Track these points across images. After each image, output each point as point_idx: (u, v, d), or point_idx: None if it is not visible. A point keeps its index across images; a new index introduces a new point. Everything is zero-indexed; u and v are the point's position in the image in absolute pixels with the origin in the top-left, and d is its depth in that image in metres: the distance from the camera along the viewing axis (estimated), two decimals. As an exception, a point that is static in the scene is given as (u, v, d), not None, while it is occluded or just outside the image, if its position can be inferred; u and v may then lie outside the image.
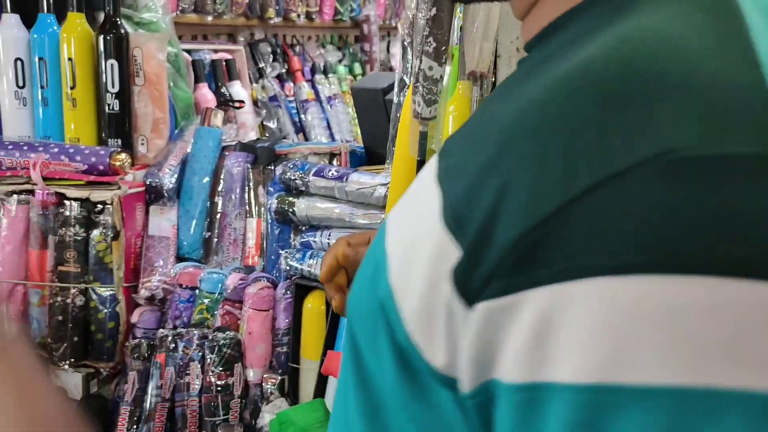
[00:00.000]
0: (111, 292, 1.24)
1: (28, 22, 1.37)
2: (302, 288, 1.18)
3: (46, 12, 1.34)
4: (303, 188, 1.22)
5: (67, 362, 1.22)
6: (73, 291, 1.22)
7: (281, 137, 1.56)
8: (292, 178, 1.22)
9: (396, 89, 1.07)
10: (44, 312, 1.24)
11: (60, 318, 1.22)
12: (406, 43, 1.03)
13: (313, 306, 1.16)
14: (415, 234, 0.30)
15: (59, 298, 1.22)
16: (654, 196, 0.24)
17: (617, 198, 0.24)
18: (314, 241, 1.21)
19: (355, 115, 2.56)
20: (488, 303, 0.25)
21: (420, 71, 0.77)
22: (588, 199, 0.24)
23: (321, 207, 1.19)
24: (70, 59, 1.33)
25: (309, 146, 1.37)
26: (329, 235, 1.19)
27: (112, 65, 1.34)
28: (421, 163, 0.87)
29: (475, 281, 0.26)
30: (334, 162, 1.35)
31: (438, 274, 0.27)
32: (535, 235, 0.25)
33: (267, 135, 2.05)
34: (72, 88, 1.34)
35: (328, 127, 2.36)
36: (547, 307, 0.24)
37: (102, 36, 1.34)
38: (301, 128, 2.26)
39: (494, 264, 0.25)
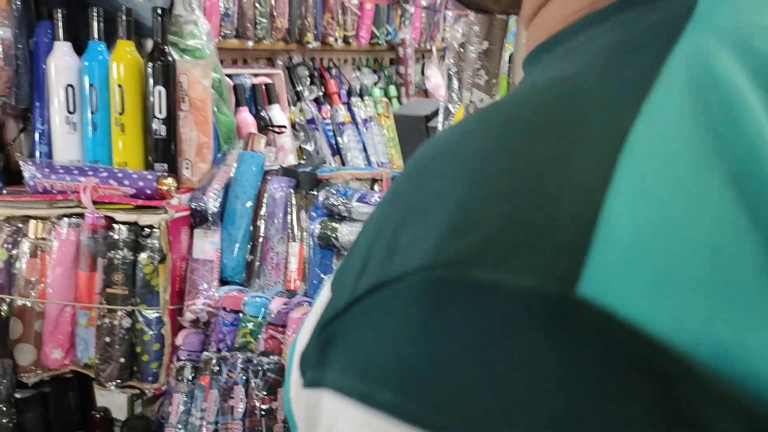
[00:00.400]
0: (157, 315, 1.26)
1: (79, 49, 1.41)
2: (345, 313, 1.18)
3: (96, 40, 1.39)
4: (346, 214, 1.23)
5: (114, 383, 1.24)
6: (120, 313, 1.25)
7: (321, 162, 1.58)
8: (335, 203, 1.23)
9: (441, 117, 1.08)
10: (92, 333, 1.26)
11: (107, 339, 1.24)
12: (451, 73, 1.03)
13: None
14: None
15: (107, 320, 1.24)
16: (408, 318, 0.21)
17: (382, 309, 0.22)
18: (357, 267, 1.21)
19: (391, 137, 2.58)
20: (306, 391, 0.25)
21: (471, 103, 0.78)
22: (364, 301, 0.23)
23: (364, 232, 1.20)
24: (119, 85, 1.37)
25: (350, 171, 1.38)
26: (372, 261, 1.20)
27: (160, 91, 1.37)
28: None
29: (302, 363, 0.26)
30: (376, 187, 1.36)
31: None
32: (330, 329, 0.24)
33: (305, 158, 2.07)
34: (121, 114, 1.37)
35: (364, 149, 2.38)
36: (332, 412, 0.23)
37: (151, 63, 1.37)
38: (337, 151, 2.28)
39: (310, 350, 0.25)
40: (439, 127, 1.09)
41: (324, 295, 0.27)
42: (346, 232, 1.22)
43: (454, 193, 0.22)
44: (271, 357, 1.16)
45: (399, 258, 0.22)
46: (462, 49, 1.00)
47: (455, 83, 1.03)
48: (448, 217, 0.22)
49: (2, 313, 1.26)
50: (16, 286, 1.27)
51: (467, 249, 0.21)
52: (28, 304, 1.26)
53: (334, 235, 1.23)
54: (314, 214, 1.31)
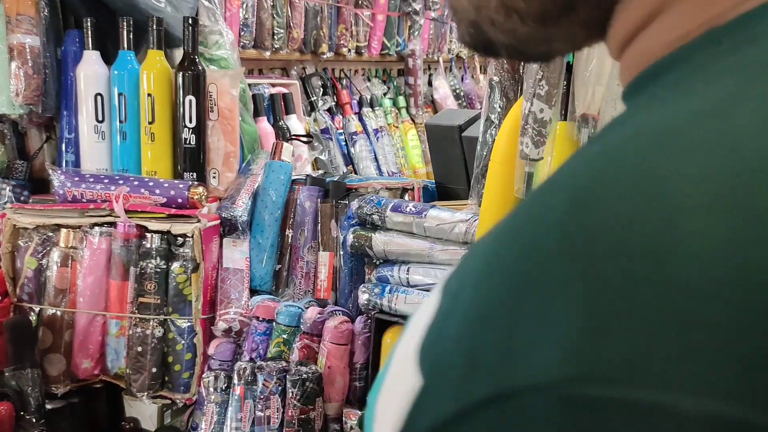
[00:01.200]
0: (189, 324, 1.25)
1: (106, 58, 1.41)
2: (381, 322, 1.18)
3: (126, 49, 1.39)
4: (380, 223, 1.24)
5: (145, 393, 1.23)
6: (152, 322, 1.24)
7: (349, 171, 1.59)
8: (369, 212, 1.24)
9: (482, 127, 1.09)
10: (123, 343, 1.26)
11: (139, 349, 1.24)
12: (494, 82, 1.05)
13: (393, 341, 1.17)
14: None
15: (139, 329, 1.24)
16: None
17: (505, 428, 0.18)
18: (392, 276, 1.22)
19: (401, 147, 2.59)
20: None
21: (530, 113, 0.79)
22: (480, 416, 0.19)
23: (399, 242, 1.21)
24: (149, 95, 1.37)
25: (380, 181, 1.39)
26: (407, 270, 1.20)
27: (190, 101, 1.37)
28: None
29: None
30: (406, 196, 1.37)
31: None
32: None
33: (319, 167, 2.08)
34: (151, 123, 1.37)
35: (375, 159, 2.39)
36: None
37: (181, 72, 1.37)
38: (350, 160, 2.29)
39: None
40: (480, 137, 1.10)
41: (406, 373, 0.22)
42: (381, 241, 1.22)
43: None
44: (310, 367, 1.16)
45: (520, 362, 0.18)
46: (504, 60, 1.01)
47: (497, 93, 1.05)
48: (584, 308, 0.17)
49: (32, 323, 1.25)
50: (46, 295, 1.26)
51: (617, 357, 0.17)
52: (58, 313, 1.25)
53: (368, 244, 1.23)
54: (345, 223, 1.32)
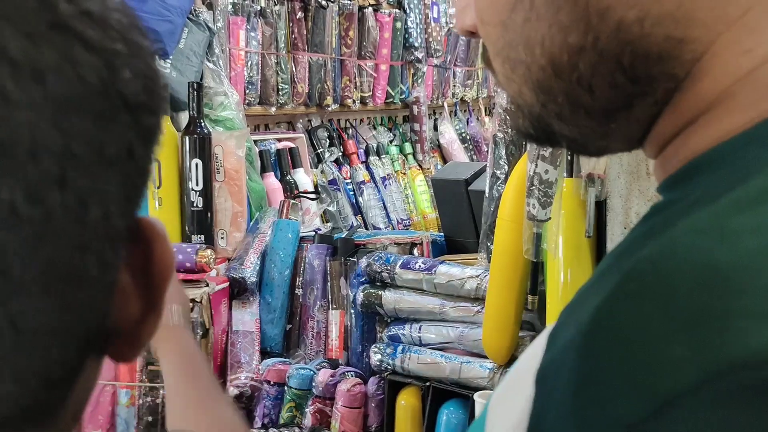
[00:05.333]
0: (199, 391, 1.23)
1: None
2: (395, 384, 1.16)
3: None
4: (389, 280, 1.22)
5: (157, 465, 1.21)
6: (162, 391, 1.22)
7: (357, 226, 1.58)
8: (378, 270, 1.23)
9: (488, 183, 1.08)
10: (133, 413, 1.24)
11: (149, 419, 1.21)
12: (498, 139, 1.04)
13: (408, 403, 1.14)
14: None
15: (149, 398, 1.22)
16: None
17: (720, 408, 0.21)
18: (403, 334, 1.20)
19: (409, 193, 2.59)
20: None
21: (535, 174, 0.78)
22: (685, 404, 0.21)
23: (409, 300, 1.19)
24: (156, 160, 1.37)
25: (388, 236, 1.38)
26: (419, 328, 1.18)
27: (197, 164, 1.38)
28: (536, 265, 0.86)
29: None
30: (415, 251, 1.35)
31: None
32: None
33: (329, 220, 2.08)
34: (158, 188, 1.37)
35: (384, 207, 2.38)
36: None
37: (187, 136, 1.39)
38: (358, 210, 2.29)
39: None
40: (487, 193, 1.09)
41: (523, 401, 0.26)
42: (391, 299, 1.21)
43: None
44: (322, 432, 1.13)
45: (722, 343, 0.21)
46: (507, 116, 1.01)
47: (502, 149, 1.04)
48: None
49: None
50: (56, 366, 1.25)
51: None
52: (68, 384, 1.23)
53: (378, 302, 1.22)
54: (355, 281, 1.30)
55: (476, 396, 0.94)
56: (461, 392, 1.08)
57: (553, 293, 0.89)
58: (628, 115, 0.30)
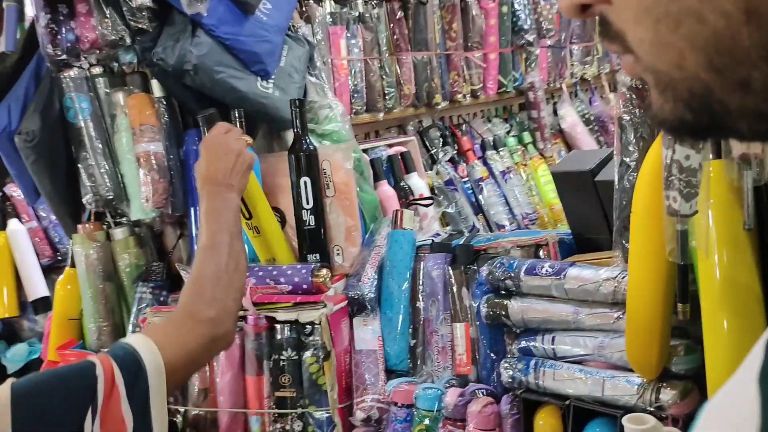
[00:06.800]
0: (327, 415, 1.20)
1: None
2: (530, 403, 1.06)
3: (240, 140, 1.40)
4: (514, 289, 1.12)
5: (292, 492, 1.19)
6: (290, 417, 1.20)
7: (476, 230, 1.49)
8: (501, 278, 1.13)
9: (617, 173, 0.95)
10: (265, 439, 1.23)
11: (281, 445, 1.20)
12: (624, 122, 0.91)
13: (546, 423, 1.04)
14: None
15: (278, 425, 1.20)
16: None
17: None
18: (535, 347, 1.09)
19: (533, 185, 2.45)
20: None
21: (674, 162, 0.66)
22: None
23: (538, 308, 1.08)
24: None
25: (510, 239, 1.28)
26: (552, 340, 1.07)
27: (305, 182, 1.36)
28: (683, 268, 0.73)
29: None
30: (541, 253, 1.24)
31: None
32: None
33: (448, 222, 1.99)
34: (249, 219, 1.36)
35: (506, 203, 2.26)
36: None
37: (293, 155, 1.36)
38: (479, 209, 2.19)
39: None
40: (617, 183, 0.96)
41: None
42: (518, 309, 1.11)
43: None
44: (455, 459, 1.05)
45: None
46: (633, 94, 0.88)
47: (630, 134, 0.91)
48: None
49: (177, 425, 1.26)
50: (189, 395, 1.27)
51: None
52: (201, 413, 1.25)
53: (504, 313, 1.12)
54: (477, 291, 1.21)
55: (626, 422, 0.81)
56: (607, 411, 0.96)
57: (709, 298, 0.75)
58: None
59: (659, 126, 0.27)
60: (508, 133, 2.48)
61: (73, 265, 1.51)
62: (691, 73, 0.23)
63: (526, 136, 2.52)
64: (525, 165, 2.46)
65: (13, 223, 2.27)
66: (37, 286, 2.28)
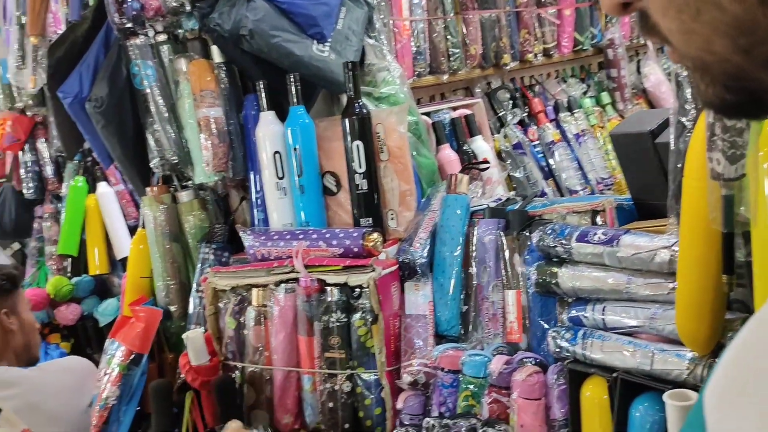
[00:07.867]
0: (375, 377, 1.21)
1: (284, 116, 1.45)
2: (577, 374, 1.02)
3: (296, 104, 1.41)
4: (565, 256, 1.08)
5: (341, 450, 1.22)
6: (339, 377, 1.22)
7: (533, 194, 1.44)
8: (552, 245, 1.08)
9: (672, 134, 0.89)
10: (316, 398, 1.26)
11: (330, 405, 1.23)
12: (681, 78, 0.84)
13: (593, 395, 1.00)
14: None
15: (328, 385, 1.23)
16: None
17: None
18: (585, 317, 1.05)
19: (609, 148, 2.33)
20: None
21: (716, 122, 0.60)
22: None
23: (589, 277, 1.03)
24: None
25: (565, 204, 1.23)
26: (603, 310, 1.02)
27: (358, 146, 1.35)
28: (728, 236, 0.67)
29: None
30: (598, 219, 1.18)
31: None
32: None
33: (515, 186, 1.94)
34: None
35: (580, 167, 2.17)
36: None
37: (347, 119, 1.36)
38: (550, 173, 2.11)
39: None
40: (672, 145, 0.89)
41: None
42: (568, 277, 1.06)
43: None
44: (499, 427, 1.04)
45: None
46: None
47: (687, 91, 0.84)
48: None
49: (235, 381, 1.31)
50: (246, 353, 1.32)
51: None
52: (257, 370, 1.30)
53: (554, 281, 1.08)
54: (529, 258, 1.17)
55: (666, 397, 0.77)
56: (656, 386, 0.91)
57: (761, 269, 0.69)
58: None
59: (707, 108, 0.30)
60: (584, 93, 2.37)
61: (144, 226, 1.58)
62: (721, 56, 0.25)
63: (605, 97, 2.39)
64: (602, 127, 2.34)
65: (102, 186, 2.40)
66: (124, 246, 2.42)
